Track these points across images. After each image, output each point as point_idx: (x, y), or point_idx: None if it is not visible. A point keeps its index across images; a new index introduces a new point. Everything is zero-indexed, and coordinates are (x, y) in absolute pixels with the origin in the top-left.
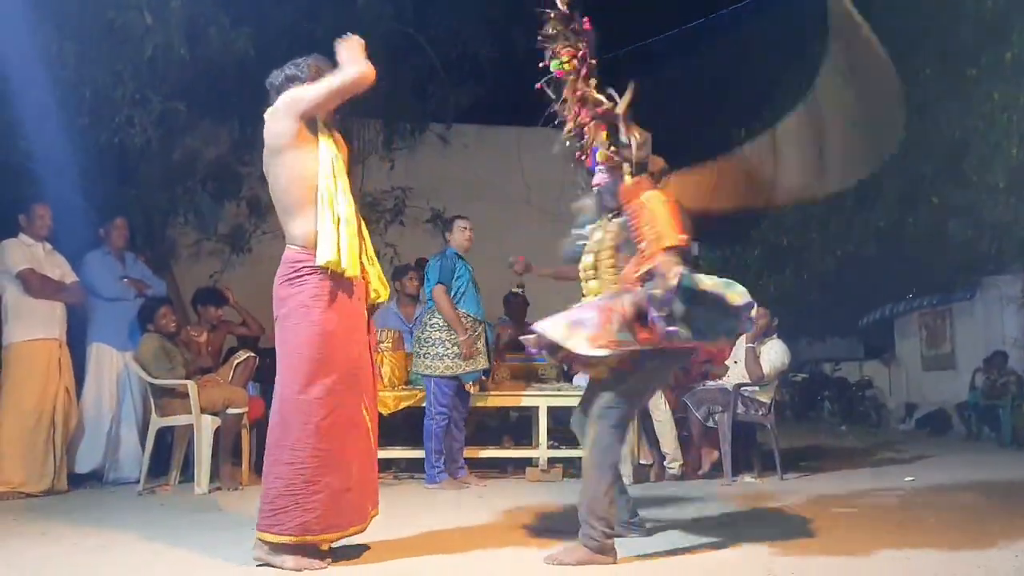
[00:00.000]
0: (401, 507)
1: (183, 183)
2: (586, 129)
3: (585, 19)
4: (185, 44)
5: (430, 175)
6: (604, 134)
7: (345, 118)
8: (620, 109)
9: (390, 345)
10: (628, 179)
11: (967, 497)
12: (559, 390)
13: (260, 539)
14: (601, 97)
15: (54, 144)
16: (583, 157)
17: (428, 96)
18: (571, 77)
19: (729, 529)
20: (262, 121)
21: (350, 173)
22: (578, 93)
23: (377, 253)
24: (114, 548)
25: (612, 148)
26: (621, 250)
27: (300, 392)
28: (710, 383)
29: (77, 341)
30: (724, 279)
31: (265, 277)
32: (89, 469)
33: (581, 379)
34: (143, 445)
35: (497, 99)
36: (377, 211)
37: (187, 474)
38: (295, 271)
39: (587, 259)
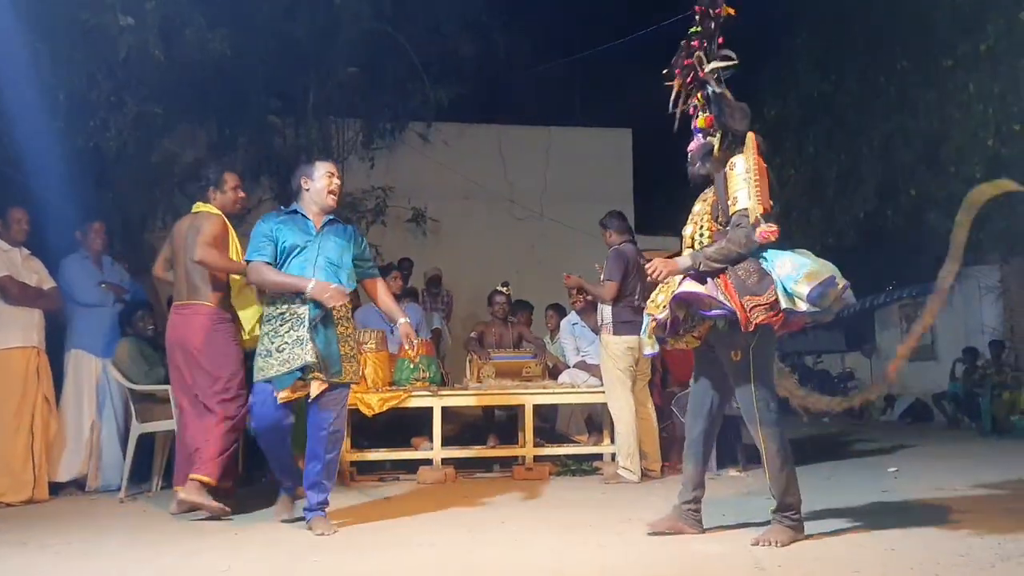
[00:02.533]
0: (386, 508)
1: (161, 186)
2: (691, 97)
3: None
4: (160, 45)
5: (411, 174)
6: (700, 97)
7: (324, 117)
8: (705, 71)
9: (373, 346)
10: (716, 147)
11: (949, 486)
12: (544, 388)
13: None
14: (705, 59)
15: (29, 148)
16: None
17: (408, 95)
18: (694, 43)
19: (715, 523)
20: (241, 122)
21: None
22: (693, 57)
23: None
24: (98, 556)
25: (708, 114)
26: (716, 219)
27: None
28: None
29: (55, 348)
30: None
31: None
32: (70, 477)
33: (565, 377)
34: (124, 451)
35: (478, 97)
36: (358, 211)
37: (169, 480)
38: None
39: (687, 230)
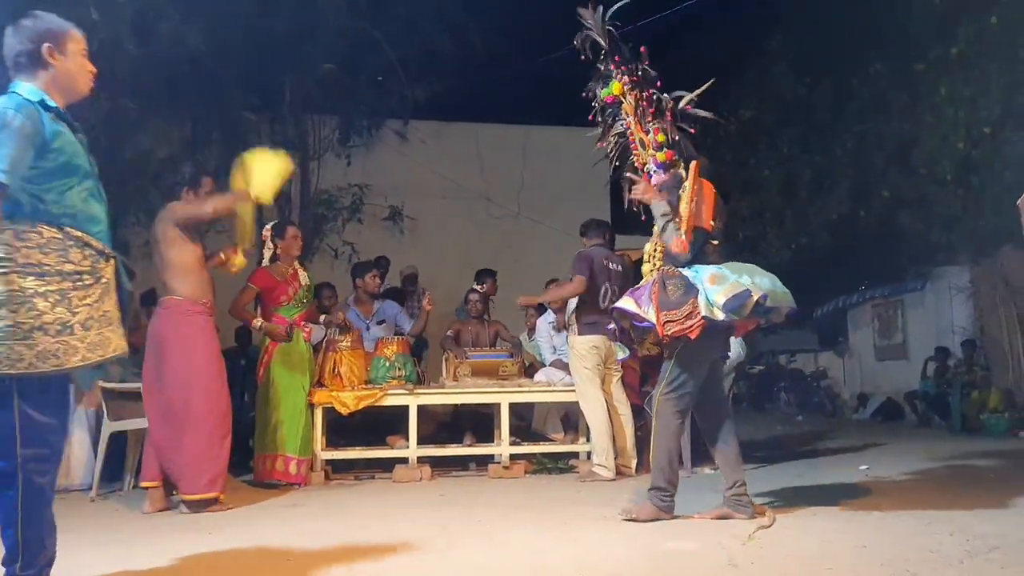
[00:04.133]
0: (362, 506)
1: (134, 182)
2: (645, 140)
3: (642, 48)
4: (134, 40)
5: (388, 172)
6: (661, 136)
7: (300, 114)
8: (684, 103)
9: (348, 344)
10: (686, 174)
11: (920, 484)
12: (520, 387)
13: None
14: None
15: None
16: (638, 172)
17: (385, 92)
18: (626, 98)
19: (688, 521)
20: (215, 118)
21: (305, 171)
22: (637, 107)
23: (335, 251)
24: (68, 555)
25: (669, 148)
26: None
27: None
28: None
29: None
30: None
31: (218, 276)
32: None
33: (541, 376)
34: (96, 450)
35: (455, 95)
36: (334, 209)
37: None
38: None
39: (648, 245)
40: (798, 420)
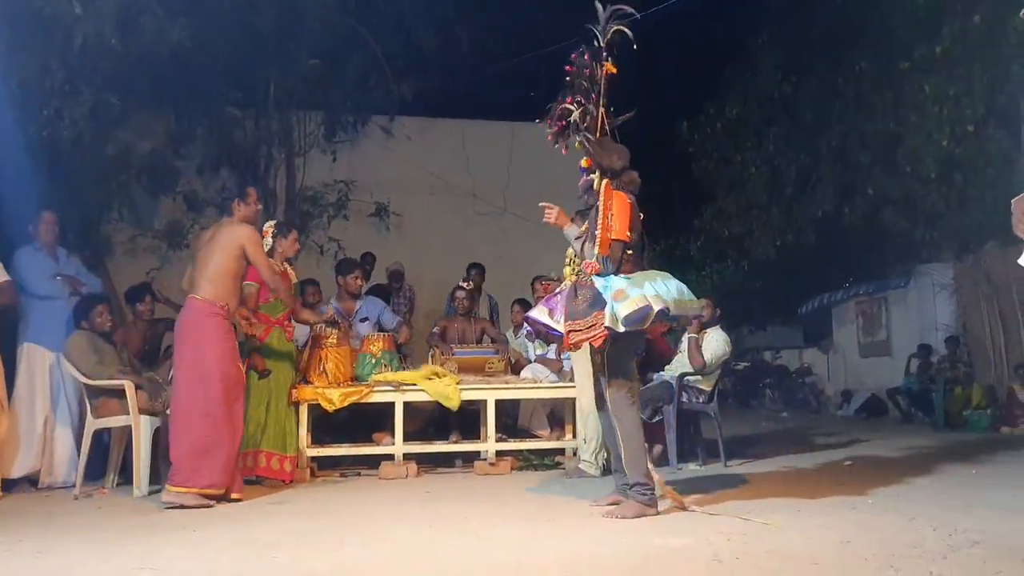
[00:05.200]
0: (347, 504)
1: (117, 177)
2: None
3: (607, 63)
4: (117, 34)
5: (373, 168)
6: (578, 142)
7: (285, 109)
8: (573, 117)
9: (334, 341)
10: (596, 183)
11: (903, 480)
12: (506, 383)
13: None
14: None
15: None
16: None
17: (371, 88)
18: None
19: (675, 516)
20: (199, 113)
21: (290, 167)
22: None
23: (321, 247)
24: (51, 553)
25: (589, 154)
26: (587, 242)
27: None
28: (654, 375)
29: (8, 343)
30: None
31: None
32: (22, 474)
33: (527, 372)
34: (79, 447)
35: (441, 91)
36: (319, 205)
37: (125, 476)
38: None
39: (569, 251)
40: (783, 416)
